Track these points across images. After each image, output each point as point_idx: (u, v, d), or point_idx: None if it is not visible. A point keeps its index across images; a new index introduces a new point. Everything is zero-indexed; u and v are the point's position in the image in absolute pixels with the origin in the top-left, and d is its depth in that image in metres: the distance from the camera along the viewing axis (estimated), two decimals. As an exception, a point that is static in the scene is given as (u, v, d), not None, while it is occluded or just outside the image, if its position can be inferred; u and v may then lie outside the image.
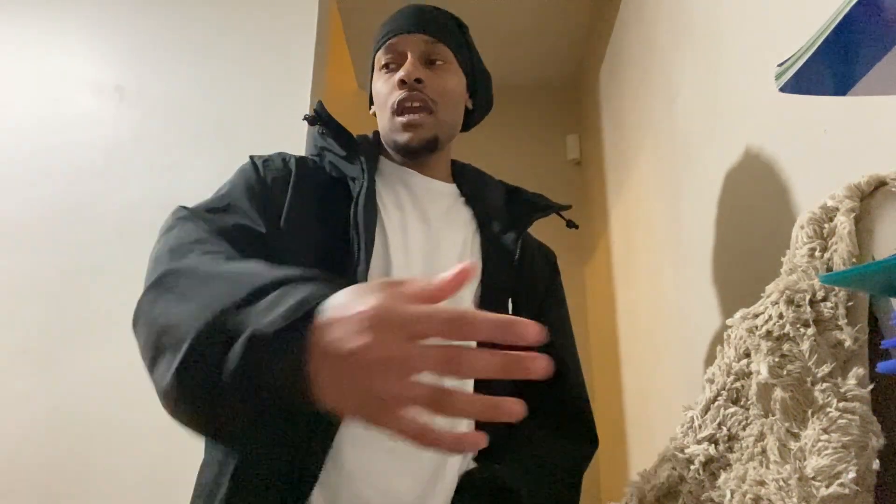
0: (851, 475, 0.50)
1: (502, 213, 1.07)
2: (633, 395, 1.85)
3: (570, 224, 1.16)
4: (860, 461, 0.51)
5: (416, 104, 0.97)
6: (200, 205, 0.88)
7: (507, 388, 0.97)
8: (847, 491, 0.50)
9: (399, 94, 0.97)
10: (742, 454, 0.60)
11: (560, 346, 1.06)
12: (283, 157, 0.98)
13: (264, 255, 0.78)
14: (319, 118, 1.01)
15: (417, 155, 1.01)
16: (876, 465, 0.51)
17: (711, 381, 0.65)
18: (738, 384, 0.62)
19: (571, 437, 1.00)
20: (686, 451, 0.64)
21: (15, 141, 1.63)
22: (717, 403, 0.63)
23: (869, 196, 0.59)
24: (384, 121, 1.02)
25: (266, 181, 0.93)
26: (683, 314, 1.35)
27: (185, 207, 0.86)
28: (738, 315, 0.63)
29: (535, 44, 2.52)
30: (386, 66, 1.02)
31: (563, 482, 0.95)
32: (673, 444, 0.65)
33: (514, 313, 0.98)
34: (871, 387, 0.54)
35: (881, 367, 0.46)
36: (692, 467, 0.62)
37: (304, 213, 0.91)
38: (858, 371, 0.54)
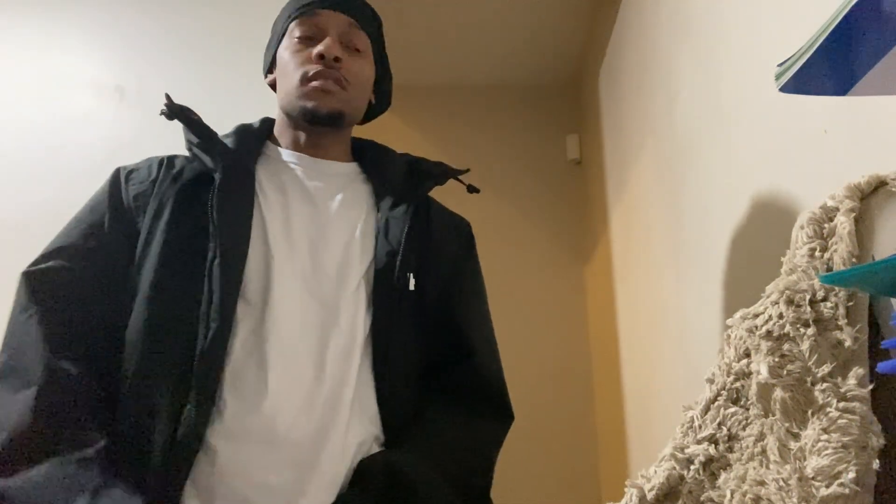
0: (851, 475, 0.50)
1: (399, 185, 1.02)
2: (633, 395, 1.85)
3: (471, 189, 1.09)
4: (860, 461, 0.51)
5: (329, 80, 0.96)
6: (43, 264, 0.91)
7: (415, 370, 0.94)
8: (847, 491, 0.50)
9: (314, 67, 0.96)
10: (742, 454, 0.60)
11: (466, 322, 1.02)
12: (151, 165, 0.98)
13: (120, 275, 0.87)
14: (171, 111, 0.98)
15: (320, 124, 0.98)
16: (876, 465, 0.51)
17: (711, 381, 0.65)
18: (738, 384, 0.62)
19: (482, 414, 0.96)
20: (686, 451, 0.64)
21: (15, 141, 1.63)
22: (717, 403, 0.63)
23: (869, 196, 0.59)
24: (289, 86, 0.98)
25: (124, 199, 0.93)
26: (683, 314, 1.35)
27: (26, 278, 0.89)
28: (738, 315, 0.63)
29: (535, 44, 2.52)
30: (303, 37, 0.99)
31: (469, 461, 0.92)
32: (673, 444, 0.65)
33: (417, 287, 0.94)
34: (871, 387, 0.54)
35: (881, 367, 0.46)
36: (692, 467, 0.62)
37: (166, 216, 0.90)
38: (858, 371, 0.54)
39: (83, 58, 1.71)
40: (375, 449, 0.87)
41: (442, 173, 1.05)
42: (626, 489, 0.65)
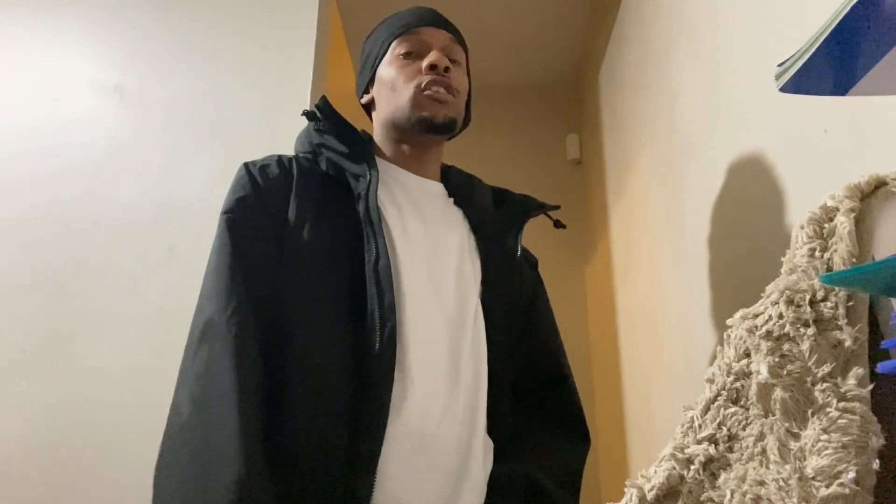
0: (851, 475, 0.50)
1: (493, 214, 1.07)
2: (633, 395, 1.85)
3: (558, 224, 1.16)
4: (860, 461, 0.51)
5: (442, 89, 0.98)
6: (211, 287, 0.85)
7: (510, 389, 0.97)
8: (847, 491, 0.50)
9: (427, 78, 0.98)
10: (742, 454, 0.60)
11: (557, 349, 1.09)
12: (280, 161, 0.98)
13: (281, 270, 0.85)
14: (322, 113, 1.00)
15: (435, 132, 1.00)
16: (876, 465, 0.51)
17: (711, 381, 0.65)
18: (738, 384, 0.62)
19: (571, 437, 1.01)
20: (686, 451, 0.64)
21: (15, 141, 1.63)
22: (717, 403, 0.63)
23: (869, 196, 0.59)
24: (400, 100, 1.00)
25: (265, 192, 0.92)
26: (683, 314, 1.35)
27: (220, 293, 0.83)
28: (738, 315, 0.63)
29: (535, 44, 2.52)
30: (408, 53, 1.01)
31: (569, 482, 0.96)
32: (673, 444, 0.65)
33: (505, 313, 0.99)
34: (871, 387, 0.54)
35: (881, 367, 0.46)
36: (692, 467, 0.62)
37: (310, 215, 0.91)
38: (858, 371, 0.54)
39: (83, 58, 1.71)
40: (491, 460, 0.90)
41: (537, 206, 1.11)
42: (626, 489, 0.65)
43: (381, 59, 1.05)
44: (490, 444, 0.91)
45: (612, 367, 2.09)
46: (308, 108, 1.02)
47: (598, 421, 2.34)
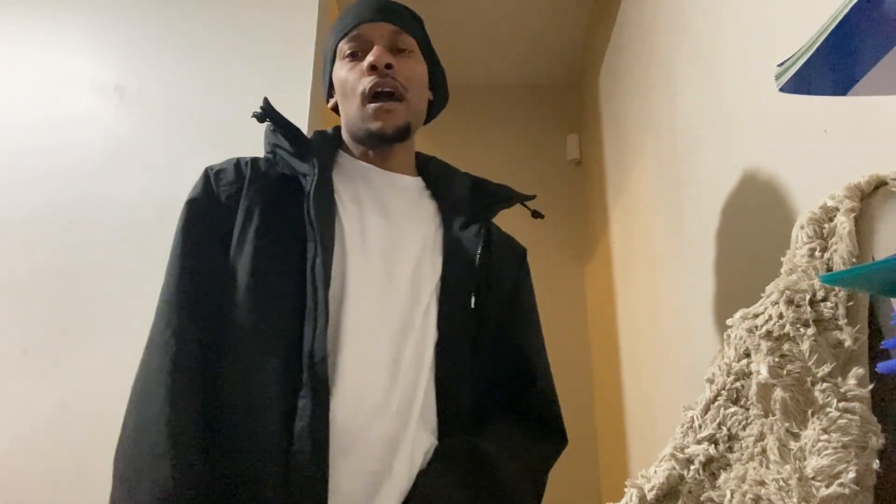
0: (851, 475, 0.50)
1: (466, 205, 1.05)
2: (633, 395, 1.85)
3: (536, 214, 1.14)
4: (860, 461, 0.51)
5: (387, 89, 0.97)
6: (168, 294, 0.89)
7: (473, 387, 0.96)
8: (847, 491, 0.50)
9: (369, 80, 0.97)
10: (742, 454, 0.60)
11: (528, 347, 1.05)
12: (237, 164, 0.99)
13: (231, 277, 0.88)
14: (266, 114, 0.99)
15: (389, 142, 1.00)
16: (876, 465, 0.51)
17: (711, 381, 0.65)
18: (738, 384, 0.62)
19: (541, 436, 1.00)
20: (686, 451, 0.64)
21: (15, 141, 1.63)
22: (717, 403, 0.63)
23: (869, 196, 0.59)
24: (352, 109, 1.00)
25: (219, 198, 0.94)
26: (683, 314, 1.35)
27: (167, 307, 0.87)
28: (738, 315, 0.63)
29: (535, 44, 2.52)
30: (352, 54, 1.00)
31: (530, 477, 0.95)
32: (673, 444, 0.65)
33: (478, 309, 0.97)
34: (871, 387, 0.54)
35: (881, 367, 0.46)
36: (692, 467, 0.62)
37: (257, 220, 0.91)
38: (858, 371, 0.54)
39: (83, 58, 1.71)
40: (423, 462, 0.89)
41: (510, 197, 1.08)
42: (626, 489, 0.65)
43: (333, 63, 1.05)
44: (429, 443, 0.89)
45: (612, 367, 2.09)
46: (255, 111, 1.01)
47: (598, 421, 2.34)
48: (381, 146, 1.02)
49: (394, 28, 1.01)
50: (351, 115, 1.01)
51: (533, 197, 1.10)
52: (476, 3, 2.23)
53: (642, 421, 1.75)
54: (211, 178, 0.97)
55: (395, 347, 0.89)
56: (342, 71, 1.01)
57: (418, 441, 0.87)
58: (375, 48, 0.98)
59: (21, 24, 1.73)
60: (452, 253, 0.98)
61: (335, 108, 1.08)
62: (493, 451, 0.88)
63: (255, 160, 1.00)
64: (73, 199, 1.58)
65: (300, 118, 1.59)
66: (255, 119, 1.00)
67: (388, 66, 0.97)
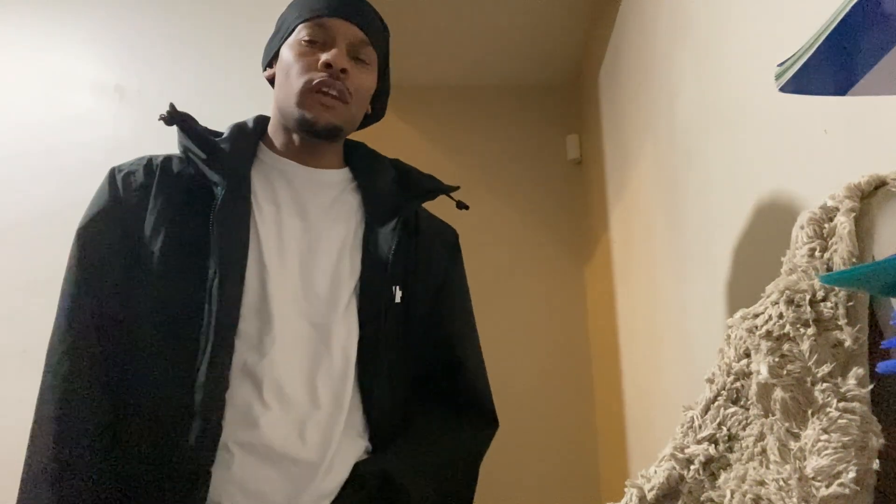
0: (851, 475, 0.50)
1: (389, 198, 1.02)
2: (633, 395, 1.85)
3: (461, 205, 1.09)
4: (860, 461, 0.51)
5: (333, 92, 0.94)
6: (58, 311, 0.88)
7: (402, 382, 0.97)
8: (847, 491, 0.50)
9: (320, 76, 0.93)
10: (742, 454, 0.60)
11: (458, 338, 1.05)
12: (148, 165, 0.96)
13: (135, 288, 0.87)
14: (173, 119, 0.96)
15: (316, 136, 0.96)
16: (876, 465, 0.51)
17: (711, 381, 0.65)
18: (738, 384, 0.62)
19: (469, 423, 1.00)
20: (686, 451, 0.64)
21: (15, 141, 1.63)
22: (717, 403, 0.63)
23: (869, 196, 0.59)
24: (290, 90, 0.95)
25: (124, 202, 0.92)
26: (683, 314, 1.35)
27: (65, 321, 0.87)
28: (738, 315, 0.63)
29: (535, 44, 2.52)
30: (310, 41, 0.96)
31: (457, 470, 0.96)
32: (673, 444, 0.65)
33: (405, 301, 0.96)
34: (871, 387, 0.54)
35: (881, 367, 0.46)
36: (692, 467, 0.62)
37: (164, 225, 0.89)
38: (858, 371, 0.54)
39: (83, 58, 1.71)
40: (350, 467, 0.89)
41: (433, 189, 1.05)
42: (626, 489, 0.65)
43: (286, 38, 1.00)
44: (361, 447, 0.90)
45: (612, 367, 2.09)
46: (162, 114, 0.98)
47: (599, 421, 2.34)
48: (307, 138, 0.98)
49: (362, 37, 0.98)
50: (288, 94, 0.96)
51: (457, 188, 1.07)
52: (476, 3, 2.23)
53: (642, 421, 1.75)
54: (118, 182, 0.94)
55: (313, 362, 0.88)
56: (293, 52, 0.96)
57: (344, 451, 0.88)
58: (336, 50, 0.94)
59: (21, 24, 1.73)
60: (371, 250, 0.96)
61: (270, 79, 1.04)
62: (406, 473, 0.88)
63: (167, 159, 0.97)
64: (73, 199, 1.58)
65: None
66: (162, 122, 0.97)
67: (343, 71, 0.94)
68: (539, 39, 2.49)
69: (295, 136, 1.00)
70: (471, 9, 2.26)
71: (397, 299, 0.95)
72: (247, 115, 1.36)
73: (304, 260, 0.92)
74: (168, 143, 1.62)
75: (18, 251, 1.54)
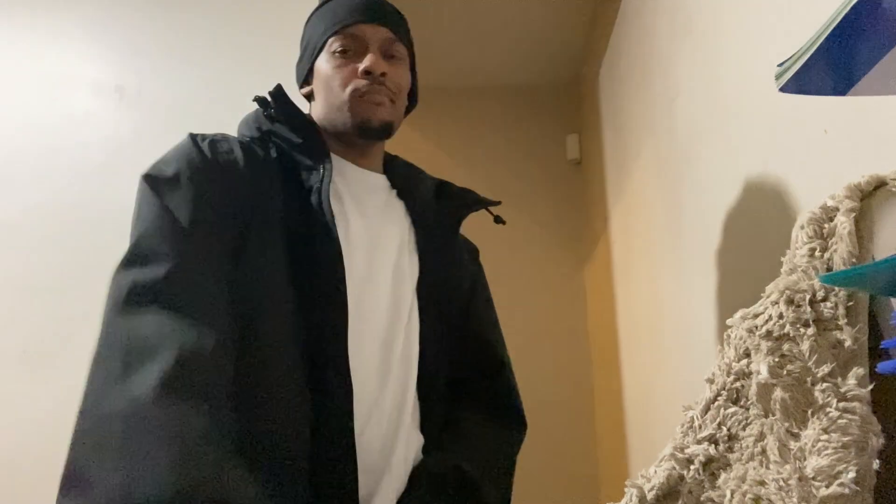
0: (851, 475, 0.50)
1: (433, 207, 1.06)
2: (633, 395, 1.85)
3: (498, 220, 1.14)
4: (860, 461, 0.51)
5: (379, 98, 0.96)
6: (152, 250, 0.82)
7: (445, 381, 0.99)
8: (847, 491, 0.50)
9: (362, 83, 0.95)
10: (742, 454, 0.60)
11: (496, 339, 1.09)
12: (229, 140, 0.93)
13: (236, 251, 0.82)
14: (275, 101, 0.96)
15: (373, 136, 0.98)
16: (876, 465, 0.51)
17: (711, 381, 0.65)
18: (738, 384, 0.62)
19: (506, 425, 1.03)
20: (686, 451, 0.64)
21: (15, 141, 1.63)
22: (717, 403, 0.63)
23: (869, 196, 0.59)
24: (336, 101, 0.97)
25: (219, 164, 0.87)
26: (683, 314, 1.35)
27: (131, 263, 0.81)
28: (738, 315, 0.63)
29: (535, 44, 2.52)
30: (344, 51, 0.97)
31: (502, 467, 0.98)
32: (673, 444, 0.65)
33: (443, 308, 0.99)
34: (871, 387, 0.54)
35: (881, 367, 0.46)
36: (692, 467, 0.62)
37: (261, 204, 0.87)
38: (858, 371, 0.54)
39: (83, 58, 1.71)
40: (420, 455, 0.91)
41: (475, 202, 1.09)
42: (626, 489, 0.65)
43: (318, 53, 1.01)
44: (418, 440, 0.91)
45: (612, 367, 2.09)
46: (259, 95, 0.97)
47: (598, 421, 2.34)
48: (362, 140, 0.99)
49: (390, 35, 1.00)
50: (334, 105, 0.97)
51: (498, 203, 1.10)
52: (477, 3, 2.23)
53: (642, 421, 1.75)
54: (204, 147, 0.89)
55: (386, 345, 0.90)
56: (329, 65, 0.98)
57: (411, 440, 0.89)
58: (371, 55, 0.96)
59: (21, 24, 1.73)
60: (429, 253, 1.00)
61: (308, 96, 1.05)
62: (476, 476, 0.89)
63: (244, 142, 0.94)
64: (74, 199, 1.59)
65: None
66: (255, 102, 0.96)
67: (383, 75, 0.96)
68: (539, 39, 2.49)
69: (345, 138, 1.01)
70: (471, 10, 2.26)
71: (449, 302, 1.01)
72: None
73: (369, 254, 0.94)
74: (168, 143, 1.62)
75: (18, 251, 1.54)
